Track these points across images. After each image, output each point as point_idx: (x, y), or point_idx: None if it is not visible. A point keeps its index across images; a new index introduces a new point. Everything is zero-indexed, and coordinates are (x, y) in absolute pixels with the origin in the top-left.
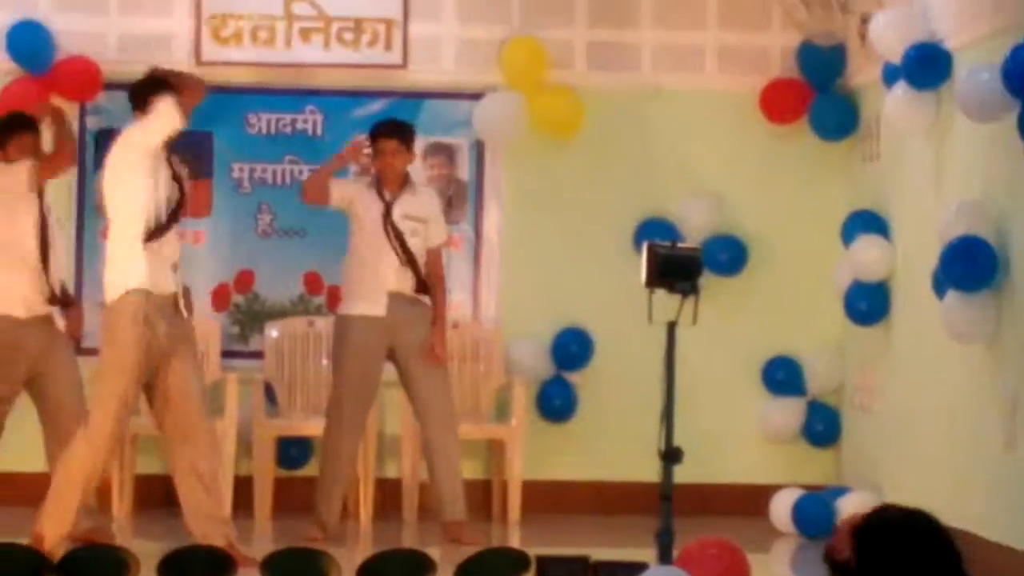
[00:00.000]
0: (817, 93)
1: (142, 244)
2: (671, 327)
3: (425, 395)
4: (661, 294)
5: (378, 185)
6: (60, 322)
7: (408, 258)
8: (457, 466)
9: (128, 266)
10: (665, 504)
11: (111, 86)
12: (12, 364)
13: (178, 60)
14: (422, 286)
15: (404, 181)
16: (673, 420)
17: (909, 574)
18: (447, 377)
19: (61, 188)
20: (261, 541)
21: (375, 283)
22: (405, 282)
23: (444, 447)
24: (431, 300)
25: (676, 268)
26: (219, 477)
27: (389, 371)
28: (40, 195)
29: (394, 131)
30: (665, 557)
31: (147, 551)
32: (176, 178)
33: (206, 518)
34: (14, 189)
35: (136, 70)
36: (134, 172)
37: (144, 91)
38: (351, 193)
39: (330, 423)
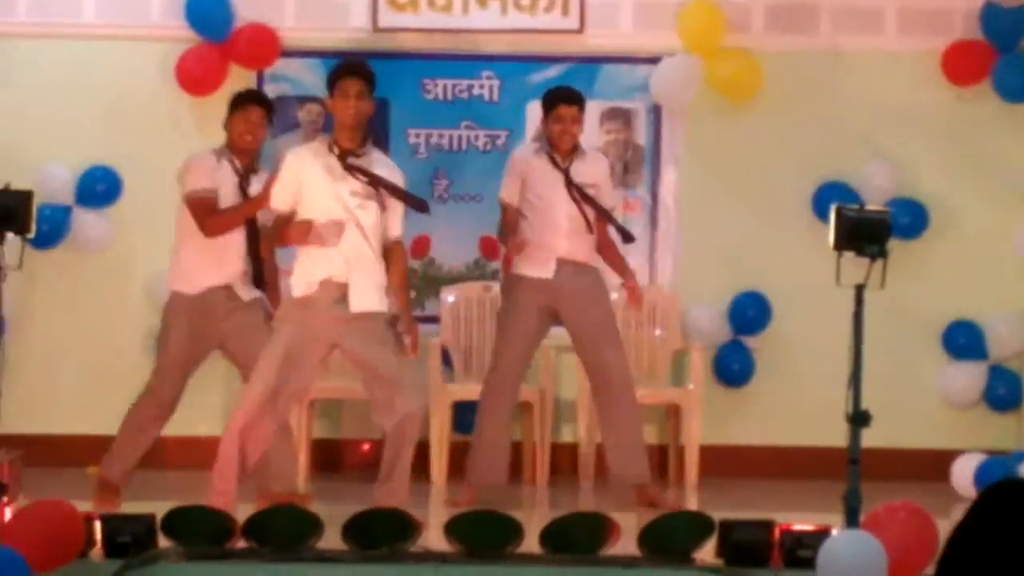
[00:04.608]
0: (1001, 54)
1: None
2: (859, 290)
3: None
4: (841, 258)
5: (550, 152)
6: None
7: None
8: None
9: None
10: (852, 467)
11: (289, 53)
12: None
13: (355, 27)
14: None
15: (576, 148)
16: (861, 383)
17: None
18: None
19: None
20: (436, 506)
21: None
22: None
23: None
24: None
25: (864, 231)
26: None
27: (563, 336)
28: None
29: (576, 98)
30: (852, 520)
31: (327, 514)
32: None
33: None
34: None
35: (314, 37)
36: None
37: None
38: (521, 176)
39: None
